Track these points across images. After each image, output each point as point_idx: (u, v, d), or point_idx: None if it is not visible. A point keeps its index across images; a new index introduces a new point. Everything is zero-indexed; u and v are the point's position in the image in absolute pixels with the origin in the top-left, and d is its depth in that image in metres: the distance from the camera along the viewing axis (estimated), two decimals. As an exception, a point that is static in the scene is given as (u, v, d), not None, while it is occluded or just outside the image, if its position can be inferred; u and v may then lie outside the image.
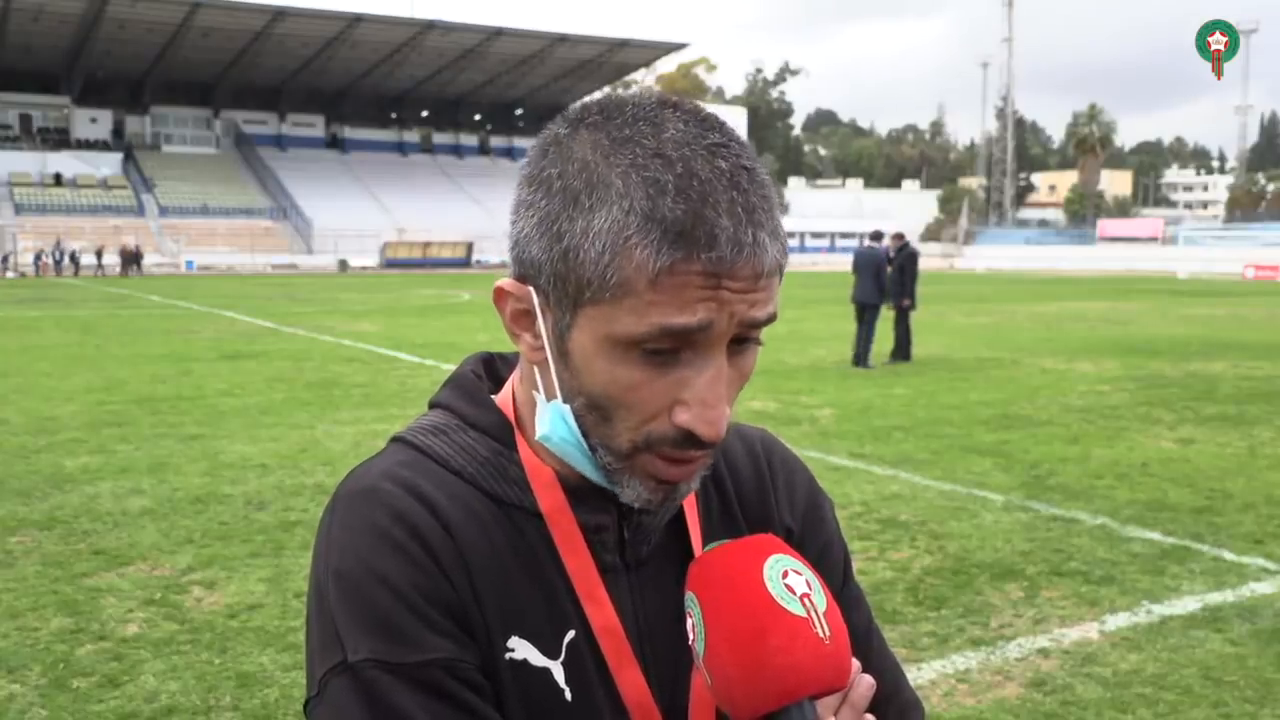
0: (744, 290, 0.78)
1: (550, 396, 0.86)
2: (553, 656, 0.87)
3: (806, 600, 0.79)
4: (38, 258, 51.55)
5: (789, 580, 0.79)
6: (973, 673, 4.16)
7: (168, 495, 6.87)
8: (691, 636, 0.81)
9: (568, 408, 0.84)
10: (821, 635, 0.77)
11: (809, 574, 0.81)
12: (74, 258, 51.78)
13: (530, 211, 0.82)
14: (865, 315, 13.94)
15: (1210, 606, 4.85)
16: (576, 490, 0.89)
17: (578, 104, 0.86)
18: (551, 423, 0.85)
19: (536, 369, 0.87)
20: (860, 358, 13.87)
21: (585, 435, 0.84)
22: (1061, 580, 5.22)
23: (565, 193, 0.79)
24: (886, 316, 14.37)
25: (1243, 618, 4.70)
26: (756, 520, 1.00)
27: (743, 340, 0.82)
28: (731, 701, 0.78)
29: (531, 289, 0.84)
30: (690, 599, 0.82)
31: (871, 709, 0.83)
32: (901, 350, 14.43)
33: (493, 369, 0.99)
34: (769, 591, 0.78)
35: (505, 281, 0.86)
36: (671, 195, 0.75)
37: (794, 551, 0.83)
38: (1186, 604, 4.90)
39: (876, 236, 14.98)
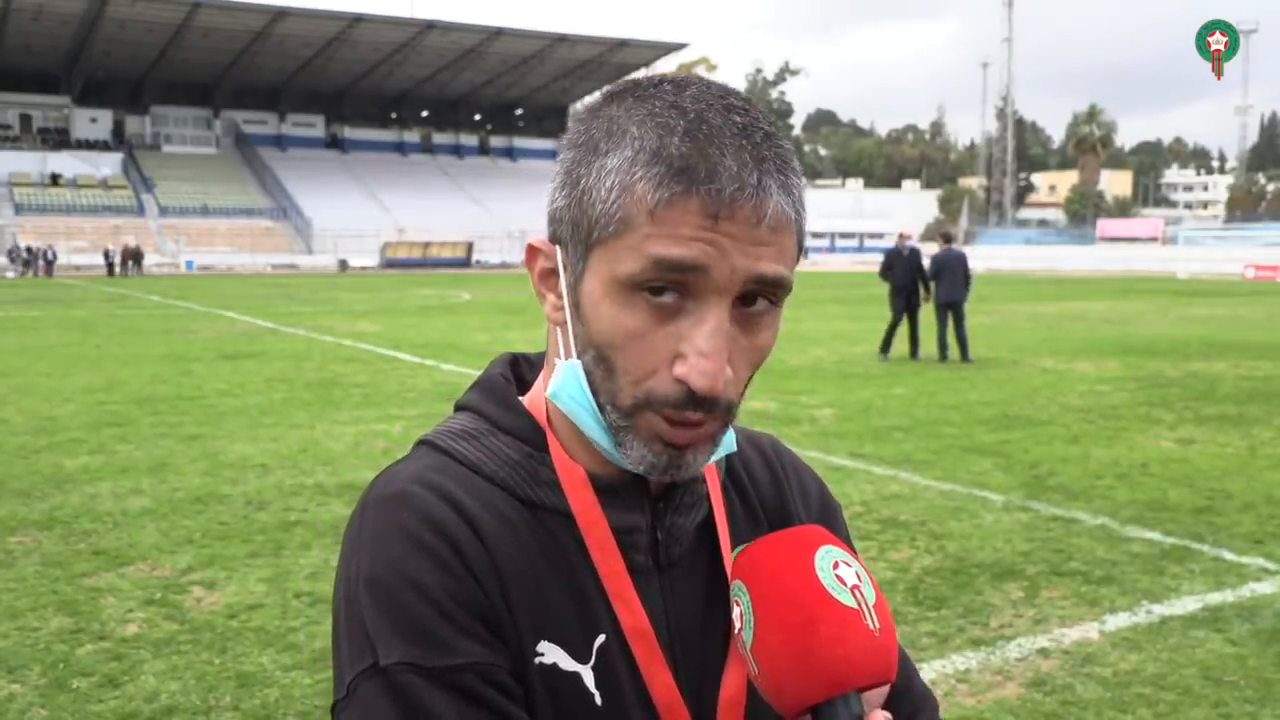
0: (745, 237, 0.78)
1: (567, 356, 0.86)
2: (582, 661, 0.86)
3: (857, 592, 0.78)
4: None
5: (840, 571, 0.79)
6: (973, 673, 4.16)
7: (168, 495, 6.87)
8: (738, 625, 0.81)
9: (581, 364, 0.85)
10: (872, 627, 0.77)
11: (858, 566, 0.81)
12: (30, 252, 50.04)
13: (560, 167, 0.86)
14: (954, 313, 14.48)
15: (1210, 606, 4.85)
16: (609, 489, 0.89)
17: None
18: (564, 380, 0.86)
19: (558, 332, 0.87)
20: (964, 353, 14.39)
21: (595, 395, 0.84)
22: (1061, 580, 5.22)
23: (587, 144, 0.83)
24: (886, 314, 14.60)
25: (1243, 618, 4.70)
26: (777, 519, 1.00)
27: (753, 300, 0.81)
28: (779, 692, 0.77)
29: (557, 247, 0.86)
30: (739, 588, 0.81)
31: (886, 705, 0.84)
32: (914, 348, 14.85)
33: (518, 371, 0.99)
34: (820, 582, 0.77)
35: (536, 238, 0.89)
36: (679, 135, 0.78)
37: (843, 543, 0.82)
38: (1186, 604, 4.89)
39: (948, 239, 15.49)
